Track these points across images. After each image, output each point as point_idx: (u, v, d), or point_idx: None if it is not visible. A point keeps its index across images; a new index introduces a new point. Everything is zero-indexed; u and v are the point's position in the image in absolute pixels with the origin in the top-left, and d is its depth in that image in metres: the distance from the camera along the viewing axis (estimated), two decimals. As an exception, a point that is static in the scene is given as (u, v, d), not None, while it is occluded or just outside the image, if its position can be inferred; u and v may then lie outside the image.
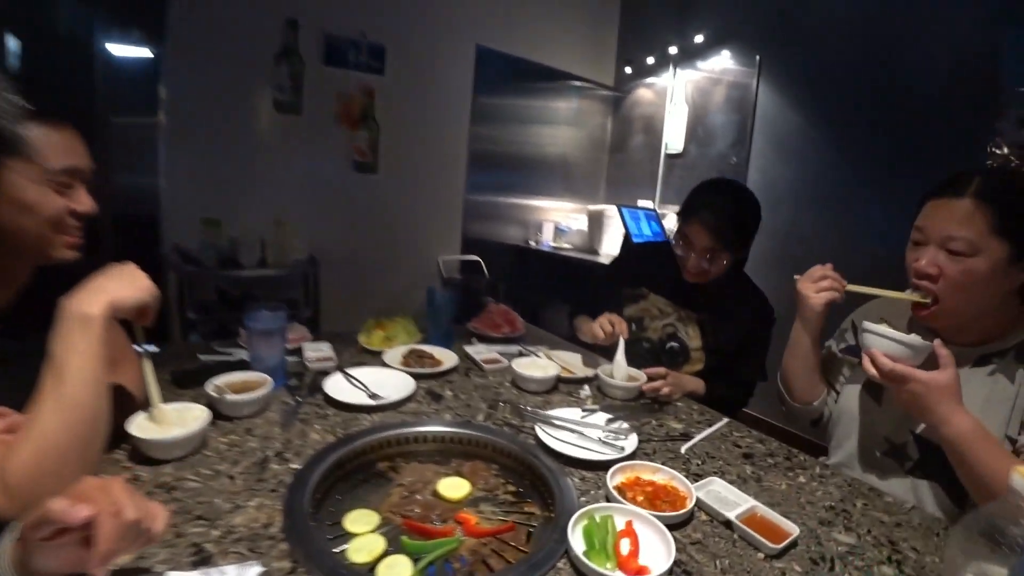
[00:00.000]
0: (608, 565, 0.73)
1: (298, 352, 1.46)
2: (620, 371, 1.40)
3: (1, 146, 0.75)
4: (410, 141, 3.40)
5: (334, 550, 0.78)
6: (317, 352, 1.47)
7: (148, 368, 0.94)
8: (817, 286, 1.21)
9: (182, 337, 2.72)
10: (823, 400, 1.31)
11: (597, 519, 0.81)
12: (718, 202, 1.48)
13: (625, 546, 0.78)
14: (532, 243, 4.15)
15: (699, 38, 3.56)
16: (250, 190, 2.95)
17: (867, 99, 2.69)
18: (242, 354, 1.39)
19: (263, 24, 2.85)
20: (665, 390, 1.35)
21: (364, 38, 3.13)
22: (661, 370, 1.37)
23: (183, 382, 1.22)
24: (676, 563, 0.75)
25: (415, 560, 0.77)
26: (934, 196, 1.04)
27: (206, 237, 2.62)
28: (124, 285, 0.82)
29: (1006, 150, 2.04)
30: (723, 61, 3.45)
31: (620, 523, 0.82)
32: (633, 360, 1.46)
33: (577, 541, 0.77)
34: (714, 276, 1.53)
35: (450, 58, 3.53)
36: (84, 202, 0.87)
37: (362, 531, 0.83)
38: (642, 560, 0.76)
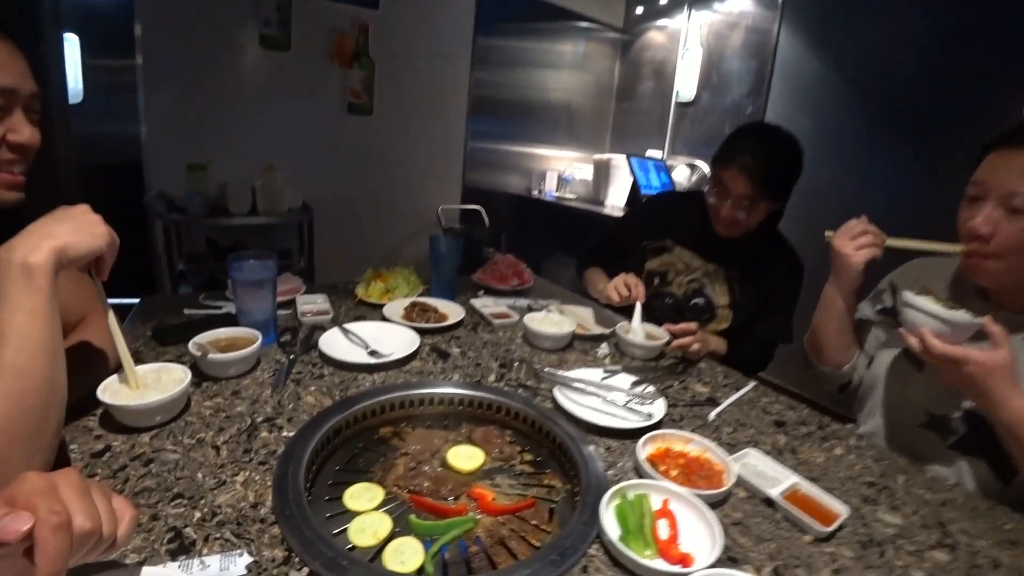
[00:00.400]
0: (647, 553, 0.64)
1: (291, 305, 1.35)
2: (638, 335, 1.29)
3: None
4: (407, 82, 3.20)
5: (333, 531, 0.69)
6: (311, 305, 1.36)
7: (114, 325, 0.82)
8: (856, 243, 1.09)
9: (172, 290, 2.61)
10: (853, 364, 1.22)
11: (630, 497, 0.72)
12: (762, 147, 1.34)
13: (663, 529, 0.69)
14: (535, 193, 3.99)
15: (717, -24, 3.32)
16: (237, 134, 2.77)
17: (897, 45, 2.51)
18: (231, 308, 1.28)
19: (246, -50, 2.61)
20: (695, 347, 1.26)
21: (357, -33, 2.89)
22: (692, 326, 1.27)
23: (165, 338, 1.11)
24: (724, 550, 0.66)
25: (425, 543, 0.68)
26: (998, 147, 0.92)
27: (192, 183, 2.45)
28: (74, 229, 0.67)
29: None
30: (742, 2, 3.22)
31: (656, 502, 0.73)
32: (654, 317, 1.35)
33: (610, 524, 0.68)
34: (748, 229, 1.41)
35: (450, -7, 3.28)
36: (20, 130, 0.71)
37: (364, 509, 0.73)
38: (683, 546, 0.67)
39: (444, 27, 3.29)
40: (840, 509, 0.76)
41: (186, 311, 1.28)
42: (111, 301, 0.85)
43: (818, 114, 2.86)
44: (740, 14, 3.24)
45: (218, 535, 0.62)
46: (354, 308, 1.43)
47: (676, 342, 1.26)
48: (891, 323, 1.17)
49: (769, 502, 0.79)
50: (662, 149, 3.77)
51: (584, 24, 3.93)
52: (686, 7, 3.52)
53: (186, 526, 0.63)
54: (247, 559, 0.59)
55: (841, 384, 1.25)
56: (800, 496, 0.80)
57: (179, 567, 0.57)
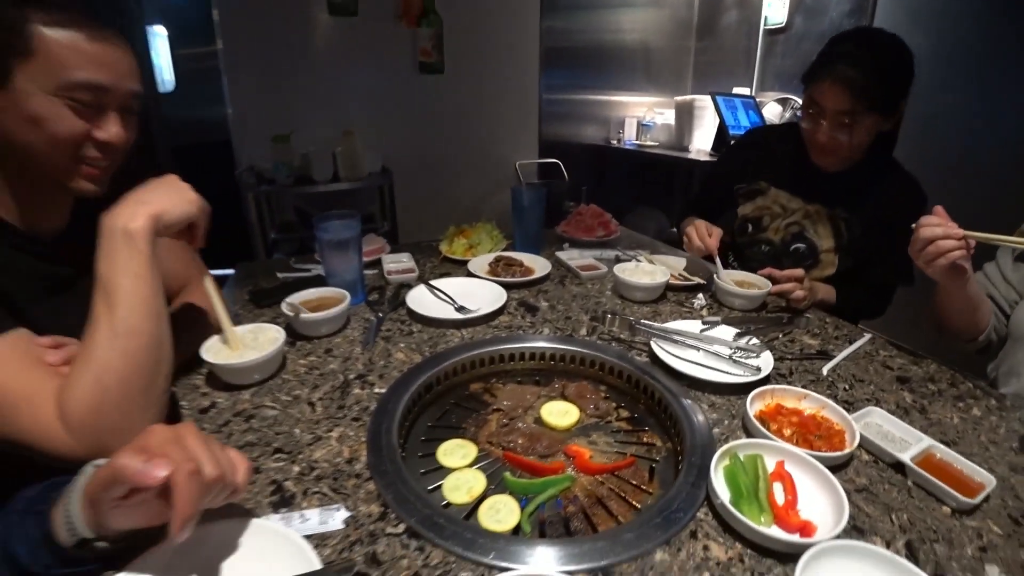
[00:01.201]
0: (763, 519, 0.59)
1: (376, 265, 1.36)
2: (727, 286, 1.20)
3: (12, 45, 0.63)
4: (476, 36, 3.11)
5: (427, 488, 0.68)
6: (397, 264, 1.36)
7: (212, 289, 0.84)
8: (925, 255, 0.91)
9: (266, 258, 2.74)
10: (990, 329, 1.06)
11: (741, 458, 0.66)
12: (859, 50, 1.15)
13: (779, 493, 0.63)
14: (614, 142, 3.82)
15: None
16: (315, 102, 2.83)
17: None
18: (320, 270, 1.30)
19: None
20: (799, 293, 1.15)
21: (421, -82, 2.80)
22: (798, 272, 1.16)
23: (260, 300, 1.15)
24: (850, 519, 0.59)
25: (521, 501, 0.65)
26: None
27: (277, 155, 2.53)
28: (167, 196, 0.71)
29: None
30: (841, -97, 2.84)
31: (770, 464, 0.67)
32: (751, 268, 1.25)
33: (721, 486, 0.62)
34: (853, 156, 1.25)
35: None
36: (108, 129, 0.72)
37: (458, 465, 0.72)
38: (803, 513, 0.60)
39: (511, -26, 3.16)
40: (986, 478, 0.66)
41: (279, 275, 1.32)
42: (213, 272, 0.88)
43: (938, 31, 2.49)
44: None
45: (316, 489, 0.63)
46: (439, 265, 1.42)
47: (776, 288, 1.15)
48: None
49: (899, 467, 0.70)
50: (750, 86, 3.46)
51: (658, -47, 3.64)
52: (774, -81, 3.16)
53: (286, 480, 0.64)
54: (344, 514, 0.59)
55: (979, 349, 1.10)
56: (936, 462, 0.70)
57: (281, 519, 0.57)
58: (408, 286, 1.21)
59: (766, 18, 3.30)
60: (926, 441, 0.73)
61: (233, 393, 0.82)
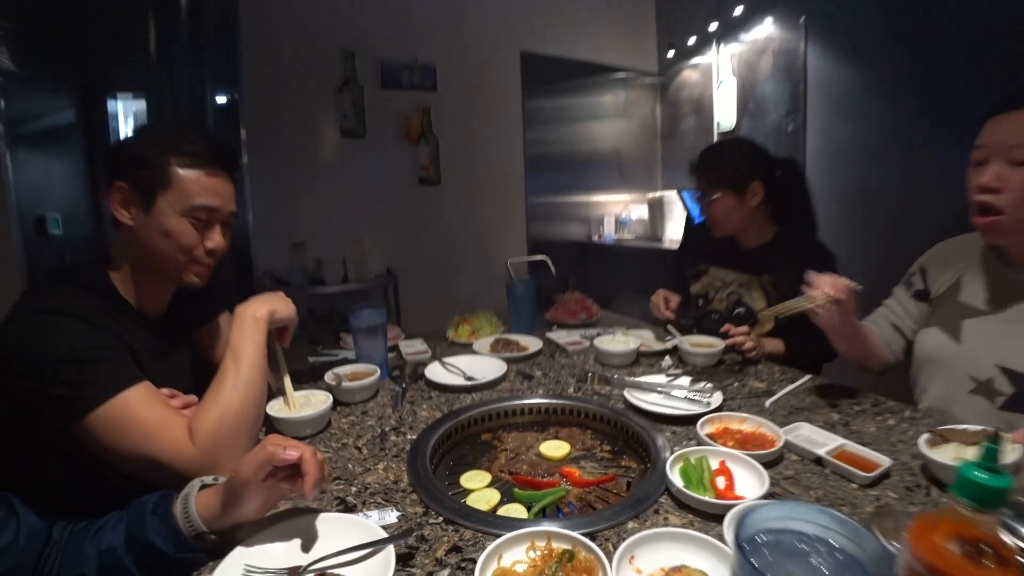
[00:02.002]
0: (707, 496, 0.79)
1: (395, 349, 1.59)
2: (686, 347, 1.45)
3: (157, 180, 0.91)
4: (468, 151, 3.54)
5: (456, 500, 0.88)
6: (412, 348, 1.59)
7: (283, 362, 1.09)
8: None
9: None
10: (888, 358, 1.31)
11: (692, 460, 0.87)
12: (702, 155, 1.65)
13: (721, 482, 0.84)
14: (595, 238, 4.19)
15: (738, 10, 3.48)
16: (328, 213, 3.17)
17: (921, 42, 2.56)
18: (344, 354, 1.53)
19: (323, 60, 3.07)
20: (748, 344, 1.40)
21: (415, 60, 3.30)
22: (743, 329, 1.41)
23: (298, 379, 1.36)
24: (770, 494, 0.80)
25: (528, 508, 0.85)
26: (995, 113, 1.04)
27: (294, 259, 2.84)
28: (279, 303, 1.04)
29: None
30: (766, 29, 3.37)
31: (714, 463, 0.88)
32: (705, 334, 1.51)
33: (676, 479, 0.83)
34: (726, 224, 1.62)
35: (497, 68, 3.64)
36: (214, 239, 0.99)
37: (477, 486, 0.92)
38: (738, 491, 0.81)
39: (495, 98, 3.65)
40: (884, 460, 0.87)
41: (310, 359, 1.54)
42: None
43: (858, 120, 2.91)
44: (767, 39, 3.38)
45: (372, 500, 0.83)
46: (447, 349, 1.65)
47: (729, 340, 1.40)
48: (925, 305, 1.27)
49: (819, 461, 0.91)
50: (713, 180, 3.89)
51: (621, 74, 4.20)
52: (714, 43, 3.71)
53: (347, 496, 0.84)
54: (396, 513, 0.79)
55: (879, 372, 1.33)
56: (847, 454, 0.91)
57: (349, 515, 0.77)
58: (424, 364, 1.44)
59: (719, 123, 3.77)
60: (841, 440, 0.94)
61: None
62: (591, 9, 3.96)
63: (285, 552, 0.70)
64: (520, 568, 0.65)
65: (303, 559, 0.68)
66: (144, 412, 0.82)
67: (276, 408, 1.06)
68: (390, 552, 0.66)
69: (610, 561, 0.62)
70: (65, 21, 2.68)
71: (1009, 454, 0.76)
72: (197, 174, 0.94)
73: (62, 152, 2.87)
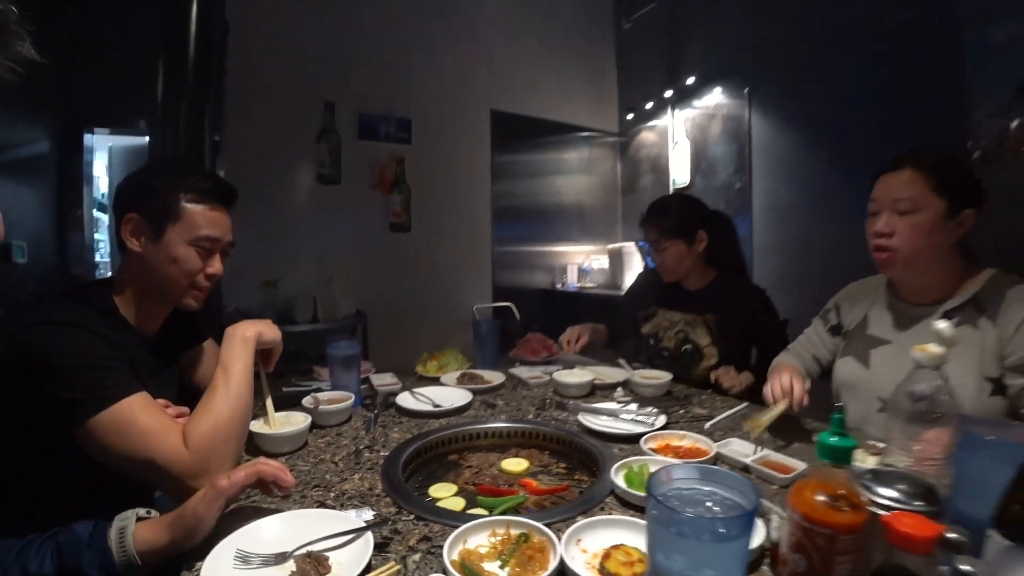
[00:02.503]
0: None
1: (367, 381, 1.68)
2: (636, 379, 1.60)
3: (167, 213, 1.02)
4: (438, 201, 3.72)
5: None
6: (383, 380, 1.69)
7: (266, 384, 1.18)
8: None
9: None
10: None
11: (635, 467, 0.99)
12: (653, 208, 1.87)
13: (660, 486, 0.96)
14: (558, 286, 4.37)
15: (690, 80, 3.84)
16: (301, 254, 3.27)
17: (852, 113, 2.88)
18: (319, 385, 1.61)
19: (304, 110, 3.25)
20: (736, 388, 1.55)
21: (392, 113, 3.50)
22: (731, 372, 1.58)
23: (276, 406, 1.44)
24: (703, 493, 0.92)
25: (490, 512, 0.95)
26: (881, 173, 1.26)
27: (265, 298, 2.91)
28: (267, 327, 1.13)
29: (977, 154, 2.20)
30: (715, 97, 3.71)
31: (653, 470, 1.00)
32: (657, 368, 1.66)
33: (620, 481, 0.95)
34: (682, 269, 1.81)
35: (468, 124, 3.88)
36: (215, 266, 1.11)
37: (444, 496, 1.02)
38: (675, 493, 0.93)
39: (466, 152, 3.87)
40: (799, 465, 1.01)
41: (284, 389, 1.62)
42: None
43: (797, 180, 3.20)
44: (716, 106, 3.71)
45: (349, 503, 0.92)
46: (416, 382, 1.74)
47: (715, 374, 1.57)
48: (839, 339, 1.45)
49: (746, 468, 1.04)
50: (670, 233, 4.15)
51: (585, 133, 4.50)
52: (669, 108, 4.04)
53: (326, 500, 0.93)
54: (372, 512, 0.88)
55: None
56: (770, 461, 1.05)
57: (328, 512, 0.86)
58: (394, 394, 1.53)
59: (674, 180, 4.05)
60: (766, 451, 1.09)
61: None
62: (558, 73, 4.28)
63: (273, 539, 0.78)
64: (483, 551, 0.75)
65: (289, 545, 0.77)
66: (144, 418, 0.90)
67: (258, 425, 1.14)
68: (368, 538, 0.76)
69: (560, 542, 0.73)
70: (48, 53, 2.78)
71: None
72: (203, 208, 1.06)
73: (34, 182, 2.92)
